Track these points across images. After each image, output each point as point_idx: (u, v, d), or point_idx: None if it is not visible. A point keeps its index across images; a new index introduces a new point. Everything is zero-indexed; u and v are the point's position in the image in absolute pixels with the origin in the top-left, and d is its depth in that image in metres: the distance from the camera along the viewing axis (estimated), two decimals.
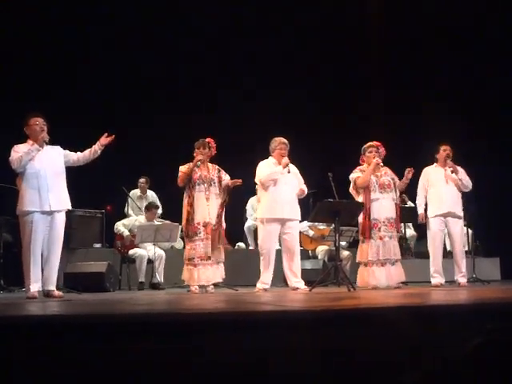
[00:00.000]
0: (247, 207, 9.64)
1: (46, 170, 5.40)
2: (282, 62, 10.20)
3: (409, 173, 6.59)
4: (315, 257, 8.48)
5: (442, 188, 6.91)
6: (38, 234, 5.33)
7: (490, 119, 9.94)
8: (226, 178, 6.38)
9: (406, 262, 7.51)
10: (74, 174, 5.83)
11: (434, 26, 10.10)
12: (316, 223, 8.22)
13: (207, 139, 6.38)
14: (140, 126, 9.87)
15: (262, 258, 6.36)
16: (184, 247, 6.48)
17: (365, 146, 6.71)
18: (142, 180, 9.32)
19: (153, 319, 2.78)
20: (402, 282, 6.71)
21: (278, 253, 6.57)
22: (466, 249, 8.03)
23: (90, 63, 9.60)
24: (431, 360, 2.56)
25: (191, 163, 6.29)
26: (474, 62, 9.90)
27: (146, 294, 6.37)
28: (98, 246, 8.63)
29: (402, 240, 8.55)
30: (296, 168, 6.52)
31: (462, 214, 7.01)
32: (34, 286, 5.31)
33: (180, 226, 7.31)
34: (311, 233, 8.56)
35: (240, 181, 6.41)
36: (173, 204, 7.98)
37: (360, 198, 6.54)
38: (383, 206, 6.49)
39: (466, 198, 7.40)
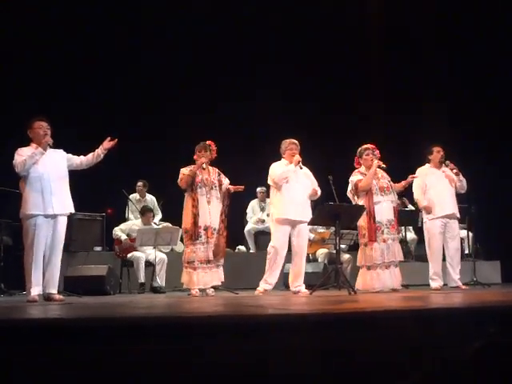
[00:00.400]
0: (247, 210, 9.65)
1: (50, 174, 5.41)
2: (282, 62, 10.20)
3: (411, 178, 6.60)
4: (315, 260, 8.47)
5: (443, 189, 6.88)
6: (41, 237, 5.34)
7: (490, 122, 9.95)
8: (226, 182, 6.38)
9: (406, 265, 7.52)
10: (74, 177, 5.84)
11: (434, 26, 10.11)
12: (316, 226, 8.22)
13: (208, 142, 6.39)
14: (141, 128, 9.87)
15: (268, 256, 6.37)
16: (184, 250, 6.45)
17: (360, 148, 6.71)
18: (139, 183, 9.31)
19: (152, 322, 2.78)
20: (403, 285, 6.71)
21: None
22: (467, 252, 8.03)
23: (89, 65, 9.60)
24: (432, 363, 2.56)
25: (194, 166, 6.29)
26: (473, 62, 9.90)
27: (147, 298, 6.38)
28: (98, 249, 8.63)
29: (403, 243, 8.55)
30: (308, 170, 6.55)
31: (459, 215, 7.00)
32: (35, 290, 5.31)
33: (180, 230, 7.30)
34: (311, 236, 8.56)
35: (242, 187, 6.44)
36: (172, 207, 7.99)
37: (360, 202, 6.53)
38: (384, 209, 6.50)
39: (467, 199, 7.41)
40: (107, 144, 5.57)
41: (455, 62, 10.15)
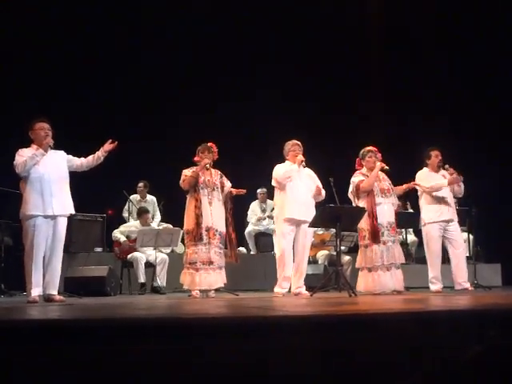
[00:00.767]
0: (248, 212, 9.65)
1: (50, 175, 5.41)
2: (282, 62, 10.21)
3: (413, 184, 6.63)
4: (315, 262, 8.47)
5: (441, 194, 6.85)
6: (40, 238, 5.34)
7: (490, 122, 9.94)
8: (228, 185, 6.38)
9: (406, 267, 7.50)
10: (75, 178, 5.84)
11: (434, 26, 10.11)
12: (316, 228, 8.21)
13: (209, 143, 6.38)
14: (141, 128, 9.87)
15: (276, 259, 6.40)
16: (185, 251, 6.44)
17: (363, 150, 6.69)
18: (140, 184, 9.30)
19: (153, 323, 2.78)
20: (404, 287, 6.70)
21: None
22: (467, 254, 8.01)
23: (89, 65, 9.61)
24: (432, 366, 2.56)
25: (196, 167, 6.28)
26: (473, 62, 9.90)
27: (147, 299, 6.37)
28: (98, 250, 8.63)
29: (404, 245, 8.54)
30: (312, 172, 6.55)
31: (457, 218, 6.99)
32: (35, 291, 5.31)
33: (181, 231, 7.30)
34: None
35: (244, 191, 6.45)
36: (173, 208, 7.99)
37: (360, 203, 6.53)
38: (385, 211, 6.49)
39: (467, 202, 7.39)
40: (108, 146, 5.58)
41: (455, 62, 10.14)
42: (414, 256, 9.46)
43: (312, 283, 6.66)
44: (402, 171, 7.01)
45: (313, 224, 6.26)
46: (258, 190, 9.58)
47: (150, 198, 9.37)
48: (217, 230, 6.18)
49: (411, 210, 9.02)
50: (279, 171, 6.41)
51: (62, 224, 5.47)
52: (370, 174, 6.53)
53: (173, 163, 6.83)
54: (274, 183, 6.51)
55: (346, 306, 4.13)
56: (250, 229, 9.56)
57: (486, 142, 9.82)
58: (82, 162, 5.63)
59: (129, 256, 7.85)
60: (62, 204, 5.45)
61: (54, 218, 5.41)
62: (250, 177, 9.32)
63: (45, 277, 5.41)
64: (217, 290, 6.27)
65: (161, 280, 7.66)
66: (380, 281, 6.38)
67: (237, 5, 9.95)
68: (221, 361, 2.47)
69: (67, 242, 5.92)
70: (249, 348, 2.50)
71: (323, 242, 8.58)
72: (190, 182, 6.18)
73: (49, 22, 9.37)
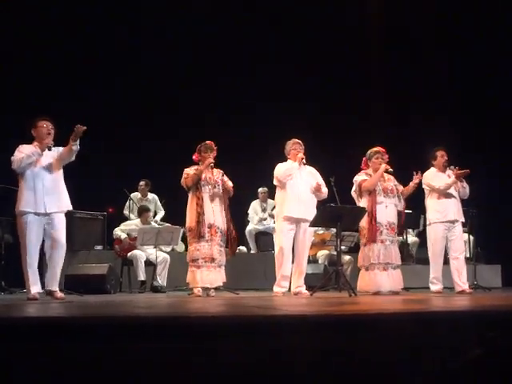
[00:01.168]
0: (249, 211, 9.65)
1: (44, 172, 5.40)
2: (282, 62, 10.21)
3: (417, 177, 6.60)
4: (316, 261, 8.47)
5: (447, 194, 6.83)
6: (33, 235, 5.34)
7: (490, 122, 9.95)
8: (229, 184, 6.36)
9: (407, 267, 7.50)
10: (76, 176, 5.83)
11: (434, 26, 10.11)
12: (316, 228, 8.21)
13: (208, 142, 6.38)
14: (142, 127, 9.87)
15: (275, 257, 6.41)
16: (186, 250, 6.46)
17: (370, 151, 6.68)
18: (141, 183, 9.31)
19: (153, 322, 2.79)
20: (403, 288, 6.70)
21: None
22: (468, 255, 8.01)
23: (90, 65, 9.61)
24: (431, 366, 2.56)
25: (198, 166, 6.27)
26: (474, 62, 9.90)
27: (147, 297, 6.37)
28: (99, 247, 8.64)
29: (404, 246, 8.54)
30: (314, 169, 6.56)
31: (463, 219, 6.98)
32: (34, 288, 5.32)
33: (182, 229, 7.30)
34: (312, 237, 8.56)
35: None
36: (173, 207, 7.99)
37: (362, 201, 6.53)
38: (386, 211, 6.49)
39: (467, 203, 7.38)
40: (74, 135, 5.34)
41: (455, 62, 10.13)
42: (415, 256, 9.47)
43: (312, 283, 6.66)
44: (401, 171, 7.00)
45: (313, 223, 6.26)
46: (259, 189, 9.59)
47: (152, 196, 9.38)
48: (218, 228, 6.18)
49: (409, 211, 9.01)
50: (280, 169, 6.42)
51: (59, 221, 5.44)
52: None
53: (173, 162, 6.83)
54: (275, 182, 6.51)
55: (346, 306, 4.13)
56: (250, 228, 9.57)
57: (486, 142, 9.82)
58: (60, 154, 5.47)
59: (129, 254, 7.86)
60: (56, 201, 5.43)
61: (47, 215, 5.39)
62: (251, 176, 9.33)
63: (47, 272, 5.42)
64: (217, 289, 6.27)
65: (161, 279, 7.67)
66: (376, 280, 6.38)
67: (237, 5, 9.95)
68: (221, 360, 2.47)
69: (67, 240, 5.90)
70: (249, 347, 2.50)
71: (323, 242, 8.58)
72: (193, 179, 6.16)
73: (49, 22, 9.37)
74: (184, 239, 6.69)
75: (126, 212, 9.18)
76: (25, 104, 8.53)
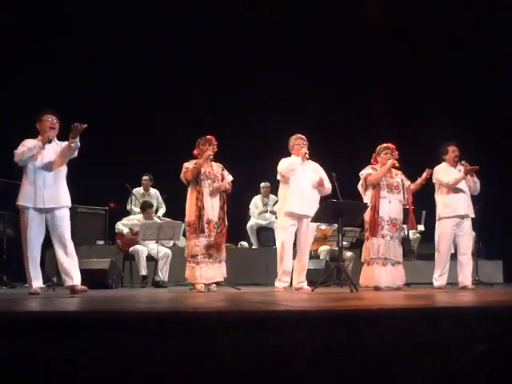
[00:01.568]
0: (250, 206, 9.65)
1: (45, 166, 5.38)
2: (283, 62, 10.20)
3: (427, 173, 6.57)
4: (317, 257, 8.47)
5: (458, 189, 6.79)
6: (33, 230, 5.33)
7: (490, 121, 9.93)
8: (229, 179, 6.34)
9: (408, 263, 7.50)
10: (77, 171, 5.83)
11: (434, 26, 10.09)
12: (318, 223, 8.22)
13: (208, 136, 6.35)
14: (143, 123, 9.88)
15: (277, 252, 6.41)
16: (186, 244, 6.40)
17: (380, 146, 6.67)
18: (144, 177, 9.32)
19: (154, 317, 2.79)
20: (404, 284, 6.69)
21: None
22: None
23: (90, 64, 9.61)
24: (434, 362, 2.55)
25: (198, 160, 6.24)
26: (474, 62, 9.88)
27: (149, 292, 6.38)
28: (101, 242, 8.65)
29: (406, 241, 8.53)
30: (318, 165, 6.56)
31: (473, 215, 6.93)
32: (36, 283, 5.32)
33: (183, 224, 7.29)
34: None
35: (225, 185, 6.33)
36: (174, 202, 7.99)
37: (367, 195, 6.53)
38: (389, 206, 6.48)
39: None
40: (73, 134, 5.30)
41: (455, 62, 10.11)
42: (416, 252, 9.46)
43: (313, 278, 6.66)
44: (401, 170, 6.99)
45: (315, 219, 6.25)
46: (261, 184, 9.58)
47: (154, 191, 9.39)
48: (216, 223, 6.15)
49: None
50: (283, 164, 6.42)
51: (60, 217, 5.41)
52: None
53: (174, 158, 6.82)
54: (278, 177, 6.51)
55: (348, 302, 4.13)
56: (252, 223, 9.57)
57: (487, 139, 9.80)
58: (62, 150, 5.44)
59: (130, 249, 7.87)
60: (55, 197, 5.40)
61: (47, 211, 5.38)
62: (253, 171, 9.33)
63: (59, 269, 5.44)
64: (218, 284, 6.27)
65: (163, 274, 7.68)
66: (374, 275, 6.39)
67: (237, 4, 9.92)
68: (222, 355, 2.47)
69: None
70: (250, 342, 2.50)
71: (325, 237, 8.58)
72: (193, 173, 6.12)
73: (49, 21, 9.37)
74: (185, 234, 6.67)
75: (129, 207, 9.19)
76: (25, 103, 8.54)
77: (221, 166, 6.37)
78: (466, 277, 6.75)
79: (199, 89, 9.96)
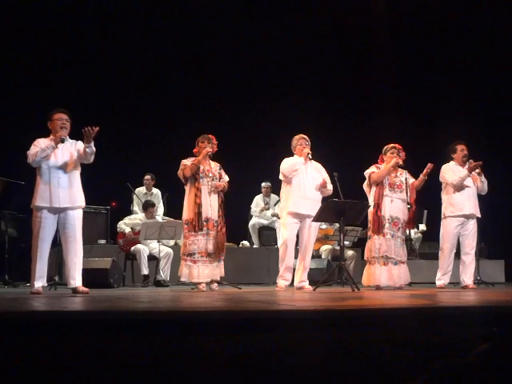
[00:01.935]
0: (252, 205, 9.65)
1: (60, 166, 5.36)
2: (285, 61, 10.19)
3: (428, 168, 6.50)
4: (319, 256, 8.47)
5: (467, 188, 6.76)
6: (46, 231, 5.32)
7: (491, 119, 9.92)
8: (225, 179, 6.31)
9: (410, 262, 7.47)
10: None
11: (434, 26, 10.09)
12: (319, 223, 8.21)
13: (209, 135, 6.34)
14: (145, 122, 9.88)
15: (279, 252, 6.42)
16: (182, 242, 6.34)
17: (386, 146, 6.67)
18: (147, 177, 9.31)
19: (156, 316, 2.79)
20: (406, 283, 6.69)
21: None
22: None
23: (91, 64, 9.61)
24: (437, 362, 2.55)
25: (197, 157, 6.20)
26: (474, 62, 9.86)
27: (150, 291, 6.37)
28: (102, 242, 8.65)
29: (407, 241, 8.53)
30: (320, 165, 6.56)
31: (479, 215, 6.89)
32: (39, 282, 5.32)
33: None
34: None
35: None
36: (175, 201, 7.98)
37: (371, 194, 6.53)
38: (391, 205, 6.47)
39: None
40: (86, 140, 5.33)
41: (455, 62, 10.10)
42: (418, 252, 9.46)
43: (315, 277, 6.66)
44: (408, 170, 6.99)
45: (317, 218, 6.25)
46: (263, 184, 9.58)
47: (156, 190, 9.38)
48: (215, 221, 6.13)
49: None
50: (286, 164, 6.42)
51: (73, 217, 5.41)
52: None
53: (176, 157, 6.81)
54: (281, 177, 6.51)
55: (349, 301, 4.13)
56: (253, 222, 9.56)
57: (489, 137, 9.79)
58: (80, 154, 5.47)
59: (132, 248, 7.87)
60: (70, 197, 5.38)
61: (62, 210, 5.36)
62: (255, 171, 9.32)
63: (65, 269, 5.45)
64: (219, 283, 6.25)
65: (165, 274, 7.68)
66: (375, 274, 6.39)
67: (237, 3, 9.92)
68: (223, 354, 2.47)
69: None
70: (251, 341, 2.50)
71: (327, 237, 8.58)
72: (192, 169, 6.06)
73: (50, 22, 9.38)
74: None
75: (136, 209, 9.17)
76: (26, 102, 8.57)
77: (218, 164, 6.34)
78: (467, 276, 6.74)
79: (199, 89, 9.95)
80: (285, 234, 6.38)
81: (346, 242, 8.02)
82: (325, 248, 8.56)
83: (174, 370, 2.43)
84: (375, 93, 10.22)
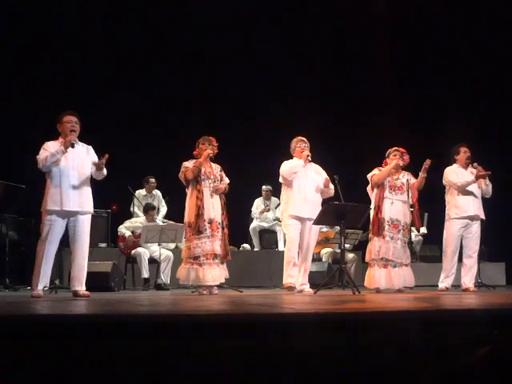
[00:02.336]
0: (252, 208, 9.66)
1: (71, 170, 5.35)
2: (284, 63, 10.20)
3: (426, 164, 6.40)
4: (319, 259, 8.47)
5: (471, 190, 6.76)
6: (55, 234, 5.32)
7: (492, 120, 9.92)
8: (226, 181, 6.30)
9: (411, 265, 7.46)
10: None
11: (434, 26, 10.09)
12: (320, 226, 8.21)
13: (209, 137, 6.33)
14: (147, 125, 9.89)
15: (285, 252, 6.43)
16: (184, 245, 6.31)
17: (390, 149, 6.67)
18: (152, 180, 9.31)
19: (159, 320, 2.79)
20: (406, 286, 6.67)
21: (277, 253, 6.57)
22: None
23: (93, 64, 9.62)
24: (438, 365, 2.55)
25: (198, 159, 6.18)
26: (474, 62, 9.87)
27: (151, 295, 6.37)
28: (103, 245, 8.65)
29: (408, 244, 8.52)
30: (320, 167, 6.57)
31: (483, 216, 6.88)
32: (40, 285, 5.32)
33: None
34: None
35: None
36: (176, 204, 7.98)
37: (373, 196, 6.54)
38: (391, 207, 6.47)
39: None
40: (98, 166, 5.44)
41: (456, 62, 10.11)
42: (419, 254, 9.46)
43: (316, 281, 6.66)
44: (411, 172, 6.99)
45: (317, 221, 6.25)
46: (263, 187, 9.58)
47: (156, 192, 9.38)
48: (219, 223, 6.11)
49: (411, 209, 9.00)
50: (285, 167, 6.42)
51: (82, 221, 5.40)
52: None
53: (176, 159, 6.81)
54: (280, 179, 6.50)
55: (350, 304, 4.13)
56: (254, 225, 9.57)
57: (490, 139, 9.79)
58: (93, 171, 5.52)
59: (132, 252, 7.87)
60: (81, 201, 5.38)
61: (72, 214, 5.36)
62: (256, 174, 9.32)
63: (71, 272, 5.45)
64: (220, 287, 6.21)
65: (165, 277, 7.67)
66: (375, 277, 6.39)
67: (238, 3, 9.94)
68: (224, 357, 2.47)
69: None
70: (252, 345, 2.50)
71: (327, 240, 8.58)
72: (193, 172, 6.03)
73: (50, 22, 9.40)
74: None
75: (132, 210, 9.18)
76: (27, 103, 8.57)
77: (219, 166, 6.33)
78: (468, 279, 6.74)
79: (200, 91, 9.96)
80: (290, 233, 6.38)
81: (347, 245, 8.01)
82: (325, 251, 8.56)
83: (175, 373, 2.43)
84: (376, 94, 10.21)
